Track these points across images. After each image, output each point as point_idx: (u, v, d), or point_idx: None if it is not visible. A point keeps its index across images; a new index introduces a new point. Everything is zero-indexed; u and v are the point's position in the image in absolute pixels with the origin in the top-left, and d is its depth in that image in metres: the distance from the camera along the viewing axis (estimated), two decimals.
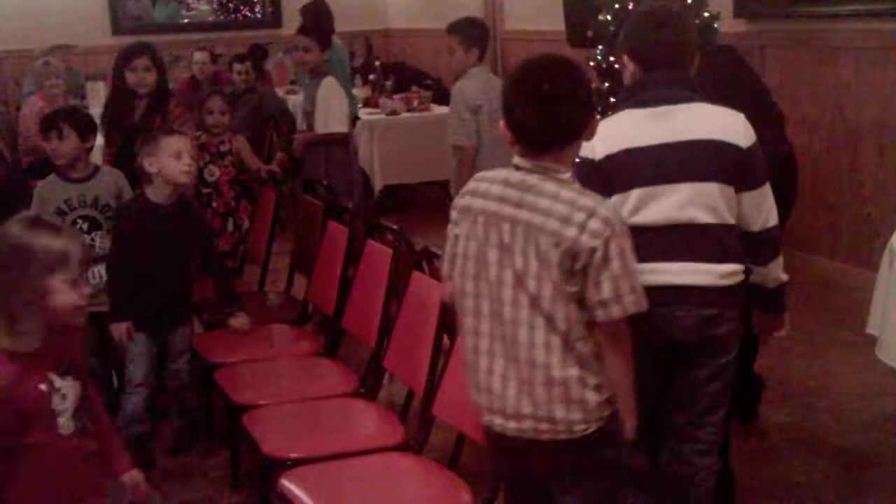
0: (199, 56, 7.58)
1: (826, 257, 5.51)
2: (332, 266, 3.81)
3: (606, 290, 2.05)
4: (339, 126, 5.15)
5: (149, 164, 3.52)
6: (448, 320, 2.94)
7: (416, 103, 7.71)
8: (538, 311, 2.08)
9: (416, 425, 3.02)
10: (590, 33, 6.02)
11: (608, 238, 2.04)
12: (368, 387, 3.35)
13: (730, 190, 2.52)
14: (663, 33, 2.60)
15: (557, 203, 2.07)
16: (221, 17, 9.99)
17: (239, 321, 3.72)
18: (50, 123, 3.76)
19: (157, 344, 3.63)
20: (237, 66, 7.03)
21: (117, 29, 9.44)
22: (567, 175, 2.12)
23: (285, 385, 3.37)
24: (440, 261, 2.40)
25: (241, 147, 4.79)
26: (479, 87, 4.65)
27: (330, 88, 5.13)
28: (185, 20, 9.88)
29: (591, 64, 5.71)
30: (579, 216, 2.04)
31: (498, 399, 2.16)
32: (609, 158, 2.53)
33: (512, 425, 2.16)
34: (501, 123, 2.15)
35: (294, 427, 3.07)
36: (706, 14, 5.28)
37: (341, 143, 5.21)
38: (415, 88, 8.29)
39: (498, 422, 2.18)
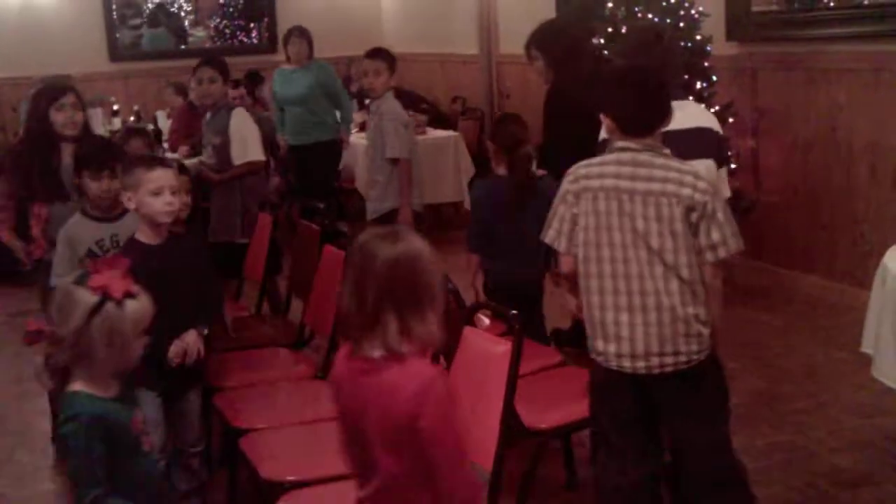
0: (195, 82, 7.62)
1: (820, 277, 5.53)
2: (328, 288, 3.82)
3: (716, 236, 2.59)
4: (257, 155, 5.06)
5: (127, 200, 3.19)
6: (445, 343, 2.95)
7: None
8: (661, 263, 2.59)
9: None
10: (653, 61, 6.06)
11: (713, 194, 2.61)
12: None
13: None
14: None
15: (669, 171, 2.62)
16: (218, 42, 10.05)
17: (177, 347, 3.15)
18: (101, 163, 3.51)
19: (171, 407, 3.24)
20: (232, 92, 7.02)
21: (115, 56, 9.50)
22: (665, 150, 2.69)
23: (283, 408, 3.38)
24: None
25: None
26: (400, 105, 5.22)
27: (243, 120, 5.07)
28: (182, 46, 9.94)
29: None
30: (689, 179, 2.60)
31: (627, 344, 2.64)
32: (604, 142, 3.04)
33: (640, 364, 2.65)
34: (603, 116, 2.73)
35: (292, 450, 3.07)
36: (698, 37, 5.34)
37: (257, 172, 5.15)
38: (411, 112, 8.33)
39: (627, 364, 2.66)
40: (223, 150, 4.99)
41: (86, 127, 4.05)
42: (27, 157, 3.97)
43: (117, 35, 9.53)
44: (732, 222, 2.63)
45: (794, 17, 5.61)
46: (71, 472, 2.23)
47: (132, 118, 7.59)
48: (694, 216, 2.58)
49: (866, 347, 2.99)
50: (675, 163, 2.64)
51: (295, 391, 3.56)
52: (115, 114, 7.97)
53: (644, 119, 2.68)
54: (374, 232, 2.02)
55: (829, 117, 5.40)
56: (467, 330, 2.86)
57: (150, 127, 7.41)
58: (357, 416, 2.06)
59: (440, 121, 8.59)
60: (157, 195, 3.11)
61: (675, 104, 2.83)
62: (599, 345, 2.71)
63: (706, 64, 5.35)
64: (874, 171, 5.17)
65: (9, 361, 4.94)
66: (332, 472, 2.86)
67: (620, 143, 2.69)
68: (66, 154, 3.90)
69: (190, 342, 3.16)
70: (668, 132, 2.82)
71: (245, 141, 4.98)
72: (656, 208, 2.59)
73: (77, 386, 2.25)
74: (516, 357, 2.62)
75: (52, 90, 4.02)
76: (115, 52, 9.50)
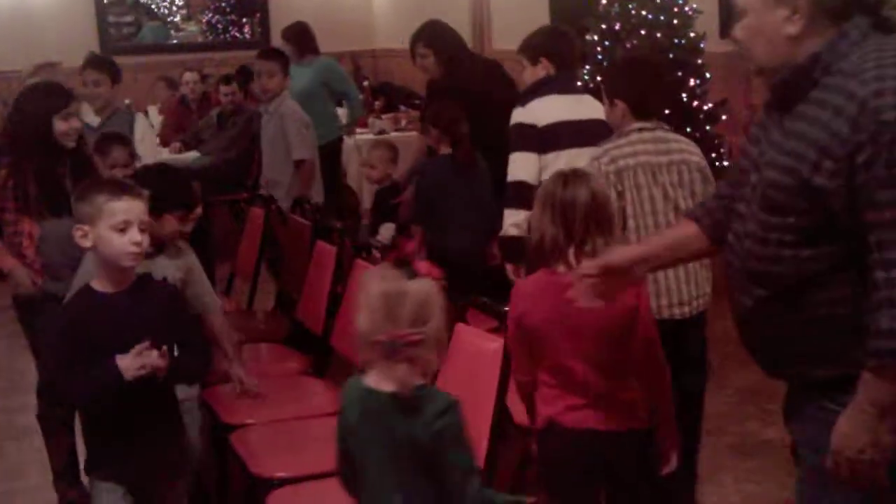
0: (189, 76, 7.60)
1: None
2: (320, 285, 3.81)
3: (711, 188, 3.02)
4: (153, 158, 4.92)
5: (80, 235, 2.52)
6: None
7: (403, 123, 7.74)
8: None
9: None
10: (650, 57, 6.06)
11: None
12: None
13: None
14: None
15: (679, 143, 3.13)
16: (210, 37, 10.01)
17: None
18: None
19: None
20: (223, 88, 7.03)
21: (106, 50, 9.44)
22: (665, 126, 3.16)
23: (273, 404, 3.36)
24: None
25: None
26: (299, 106, 5.30)
27: (142, 125, 4.97)
28: (174, 40, 9.90)
29: (578, 84, 5.75)
30: (692, 147, 3.16)
31: (675, 294, 3.03)
32: (549, 126, 3.66)
33: (686, 310, 3.06)
34: (615, 101, 3.11)
35: (282, 446, 3.06)
36: (692, 34, 5.32)
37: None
38: (402, 108, 8.32)
39: (676, 311, 3.04)
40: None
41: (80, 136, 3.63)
42: (23, 165, 3.48)
43: (110, 30, 9.49)
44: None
45: None
46: (466, 458, 2.02)
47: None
48: (700, 176, 3.10)
49: None
50: (680, 136, 3.16)
51: (286, 387, 3.54)
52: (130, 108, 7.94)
53: (656, 102, 3.19)
54: (565, 172, 2.57)
55: None
56: (459, 326, 2.85)
57: None
58: (558, 326, 2.44)
59: None
60: (121, 232, 2.48)
61: (575, 98, 3.69)
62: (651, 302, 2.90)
63: (699, 61, 5.34)
64: None
65: (23, 358, 4.83)
66: (322, 469, 2.86)
67: (637, 125, 3.09)
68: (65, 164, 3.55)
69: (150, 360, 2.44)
70: (572, 121, 3.64)
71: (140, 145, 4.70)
72: (679, 175, 3.07)
73: (419, 380, 1.99)
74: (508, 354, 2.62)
75: (57, 96, 3.56)
76: (107, 46, 9.45)
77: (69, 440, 3.52)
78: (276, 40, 9.22)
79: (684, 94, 5.35)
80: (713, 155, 5.47)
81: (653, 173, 3.04)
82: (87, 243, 2.53)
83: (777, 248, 1.88)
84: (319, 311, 3.75)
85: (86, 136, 3.79)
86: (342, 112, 7.39)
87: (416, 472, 1.98)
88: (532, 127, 3.68)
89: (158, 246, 3.04)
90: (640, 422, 2.53)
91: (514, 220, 3.63)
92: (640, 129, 3.08)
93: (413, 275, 1.98)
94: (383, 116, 7.81)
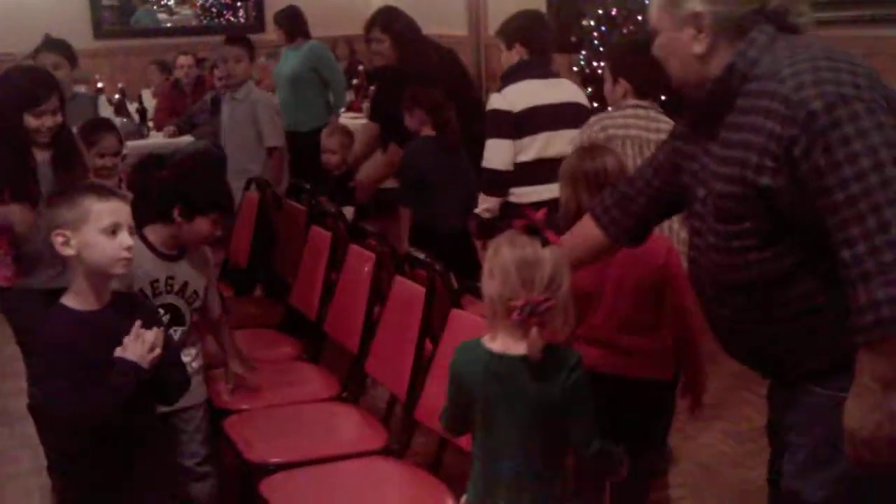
0: (182, 60, 7.54)
1: None
2: (314, 271, 3.79)
3: None
4: None
5: (62, 242, 2.27)
6: (432, 325, 2.93)
7: None
8: None
9: (399, 430, 3.01)
10: (573, 39, 6.04)
11: None
12: (350, 391, 3.33)
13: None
14: None
15: (667, 122, 3.15)
16: (204, 21, 9.95)
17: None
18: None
19: None
20: (217, 71, 6.98)
21: (99, 33, 9.39)
22: (658, 108, 3.29)
23: (267, 390, 3.34)
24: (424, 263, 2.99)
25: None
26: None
27: (106, 109, 5.05)
28: (168, 24, 9.84)
29: (575, 69, 5.72)
30: None
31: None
32: (524, 111, 3.76)
33: None
34: (622, 80, 3.26)
35: (276, 432, 3.05)
36: None
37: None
38: (497, 88, 8.25)
39: None
40: None
41: (62, 127, 3.37)
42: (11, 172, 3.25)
43: (101, 16, 9.41)
44: None
45: None
46: (591, 410, 2.07)
47: (117, 96, 7.51)
48: None
49: None
50: (667, 118, 3.22)
51: (279, 372, 3.53)
52: (100, 91, 7.88)
53: (657, 85, 3.28)
54: (586, 146, 2.82)
55: None
56: (454, 312, 2.84)
57: (136, 106, 7.34)
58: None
59: None
60: (112, 235, 2.27)
61: (550, 81, 3.86)
62: None
63: None
64: None
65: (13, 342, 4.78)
66: (316, 455, 2.85)
67: (633, 102, 3.26)
68: (41, 156, 3.34)
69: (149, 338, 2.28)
70: (547, 105, 3.76)
71: None
72: None
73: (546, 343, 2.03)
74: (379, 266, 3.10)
75: (31, 93, 3.26)
76: (100, 30, 9.39)
77: None
78: (270, 24, 9.18)
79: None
80: None
81: (640, 147, 3.17)
82: (69, 251, 2.26)
83: (741, 254, 1.93)
84: (314, 296, 3.73)
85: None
86: None
87: (544, 428, 2.06)
88: (507, 113, 3.78)
89: (181, 249, 2.93)
90: (663, 372, 2.74)
91: (486, 206, 3.85)
92: (636, 106, 3.25)
93: (545, 242, 2.04)
94: None
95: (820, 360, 1.92)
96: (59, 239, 2.27)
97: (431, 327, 2.94)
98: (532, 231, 2.06)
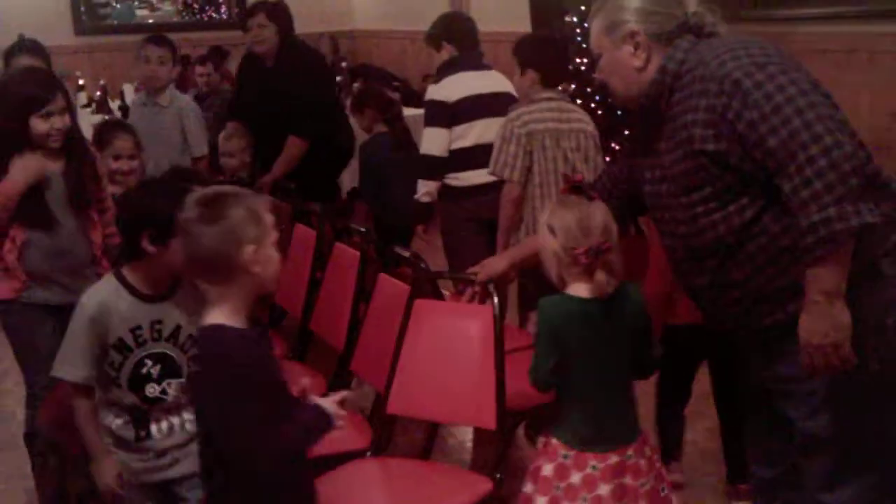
0: None
1: None
2: (299, 269, 3.79)
3: (601, 157, 3.65)
4: None
5: (251, 252, 2.01)
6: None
7: None
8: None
9: (382, 428, 3.02)
10: (556, 35, 6.04)
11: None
12: (336, 390, 3.32)
13: None
14: None
15: (578, 113, 3.63)
16: (186, 17, 9.91)
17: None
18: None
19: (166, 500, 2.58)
20: (199, 69, 6.97)
21: (80, 29, 9.33)
22: (566, 97, 3.65)
23: None
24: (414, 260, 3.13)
25: None
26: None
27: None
28: (150, 20, 9.79)
29: (483, 61, 5.73)
30: (587, 118, 3.64)
31: None
32: (459, 101, 4.08)
33: None
34: (530, 70, 3.60)
35: None
36: None
37: None
38: (433, 80, 8.23)
39: None
40: None
41: (73, 131, 3.13)
42: (4, 166, 3.04)
43: (82, 8, 9.36)
44: None
45: None
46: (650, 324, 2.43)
47: (98, 93, 7.47)
48: (593, 143, 3.59)
49: None
50: (576, 107, 3.66)
51: None
52: (81, 88, 7.84)
53: (562, 73, 3.72)
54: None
55: None
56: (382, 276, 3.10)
57: (118, 103, 7.31)
58: None
59: (411, 99, 8.53)
60: (277, 247, 2.11)
61: (482, 73, 4.19)
62: None
63: None
64: None
65: None
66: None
67: (545, 94, 3.59)
68: (50, 166, 3.11)
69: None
70: (480, 95, 4.08)
71: None
72: (577, 141, 3.56)
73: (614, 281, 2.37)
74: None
75: (36, 92, 3.02)
76: (80, 26, 9.34)
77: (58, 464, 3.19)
78: None
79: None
80: None
81: (556, 138, 3.53)
82: (256, 268, 2.02)
83: (706, 217, 2.21)
84: (299, 295, 3.73)
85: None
86: None
87: (624, 355, 2.37)
88: (443, 103, 4.09)
89: (171, 285, 2.52)
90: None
91: (426, 189, 4.15)
92: (549, 99, 3.57)
93: (591, 198, 2.34)
94: None
95: (798, 302, 2.10)
96: (247, 252, 2.00)
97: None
98: (578, 190, 2.34)
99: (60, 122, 3.03)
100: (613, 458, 2.31)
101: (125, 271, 2.47)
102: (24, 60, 4.27)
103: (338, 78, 8.27)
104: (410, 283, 3.02)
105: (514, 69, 3.69)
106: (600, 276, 2.29)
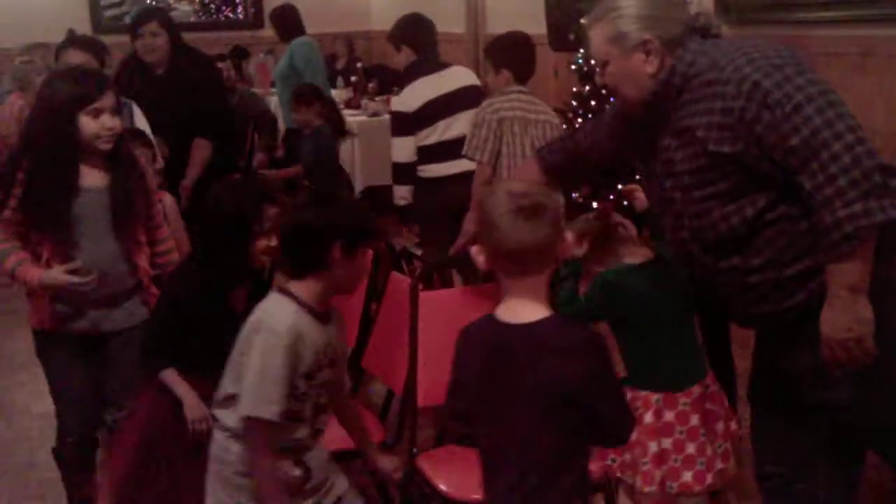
0: None
1: None
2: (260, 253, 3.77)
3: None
4: None
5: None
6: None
7: None
8: None
9: (396, 425, 3.03)
10: (572, 37, 6.04)
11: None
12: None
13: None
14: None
15: (543, 106, 3.97)
16: (203, 17, 9.96)
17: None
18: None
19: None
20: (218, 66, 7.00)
21: (98, 28, 9.39)
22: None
23: None
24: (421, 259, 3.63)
25: (169, 207, 3.56)
26: None
27: None
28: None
29: (573, 67, 5.73)
30: (550, 110, 4.02)
31: None
32: (419, 108, 4.33)
33: None
34: (504, 70, 3.88)
35: None
36: None
37: None
38: (396, 90, 8.27)
39: None
40: None
41: (122, 137, 2.90)
42: (41, 174, 2.76)
43: (100, 11, 9.41)
44: None
45: (781, 0, 5.60)
46: None
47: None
48: (558, 134, 3.75)
49: None
50: (542, 102, 3.98)
51: None
52: None
53: (531, 71, 4.00)
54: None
55: None
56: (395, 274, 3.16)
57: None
58: None
59: None
60: None
61: (438, 74, 4.40)
62: None
63: None
64: None
65: (16, 336, 4.60)
66: None
67: (516, 88, 3.89)
68: (92, 178, 2.83)
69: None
70: (439, 97, 4.30)
71: None
72: (542, 130, 3.85)
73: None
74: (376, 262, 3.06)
75: (85, 88, 2.79)
76: (99, 25, 9.40)
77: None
78: (269, 20, 9.19)
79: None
80: None
81: (524, 126, 3.83)
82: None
83: (719, 209, 2.23)
84: None
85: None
86: (336, 93, 7.36)
87: (682, 301, 2.59)
88: (405, 114, 4.37)
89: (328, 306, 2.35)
90: None
91: (400, 194, 4.46)
92: (519, 92, 3.89)
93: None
94: (377, 98, 7.78)
95: (818, 280, 2.15)
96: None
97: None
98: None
99: (111, 121, 2.80)
100: (697, 390, 2.54)
101: (294, 289, 2.26)
102: (73, 57, 3.93)
103: (352, 78, 8.32)
104: (413, 276, 3.02)
105: (489, 70, 3.99)
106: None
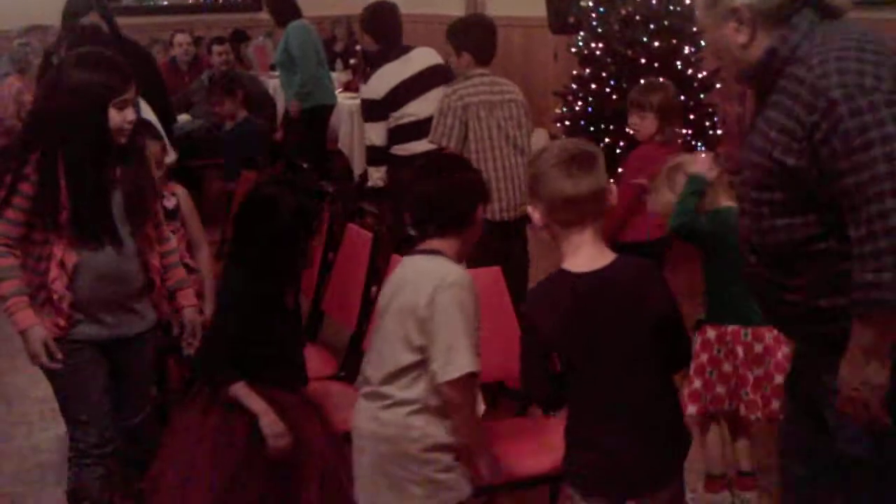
0: (180, 38, 7.51)
1: None
2: (312, 250, 3.78)
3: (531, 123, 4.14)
4: None
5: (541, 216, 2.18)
6: None
7: None
8: (514, 146, 3.95)
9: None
10: (571, 20, 6.03)
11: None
12: (348, 370, 3.34)
13: None
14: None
15: (508, 86, 4.05)
16: (202, 0, 9.92)
17: None
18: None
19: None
20: (217, 48, 6.97)
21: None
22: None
23: None
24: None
25: (183, 200, 3.61)
26: None
27: None
28: (165, 2, 9.79)
29: (573, 50, 5.71)
30: (516, 88, 4.08)
31: (505, 200, 3.95)
32: (386, 95, 4.45)
33: (512, 213, 4.00)
34: (465, 52, 3.96)
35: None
36: (687, 1, 5.29)
37: None
38: (363, 77, 8.24)
39: (507, 216, 3.99)
40: None
41: (135, 130, 2.76)
42: (57, 164, 2.58)
43: None
44: None
45: None
46: None
47: None
48: (523, 111, 4.00)
49: None
50: (506, 80, 4.08)
51: None
52: None
53: (492, 53, 4.04)
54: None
55: None
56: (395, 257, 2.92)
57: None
58: None
59: None
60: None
61: (402, 59, 4.50)
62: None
63: (694, 29, 5.32)
64: None
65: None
66: None
67: (478, 71, 3.96)
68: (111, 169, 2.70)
69: None
70: (404, 81, 4.42)
71: None
72: (508, 110, 3.95)
73: None
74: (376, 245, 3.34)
75: (113, 77, 2.62)
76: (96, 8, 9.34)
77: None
78: None
79: (679, 62, 5.33)
80: (706, 123, 5.46)
81: (489, 109, 3.91)
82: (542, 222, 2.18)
83: (769, 219, 2.08)
84: (311, 275, 3.73)
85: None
86: (335, 76, 7.32)
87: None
88: (373, 101, 4.51)
89: None
90: None
91: (378, 175, 4.59)
92: (482, 75, 3.96)
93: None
94: None
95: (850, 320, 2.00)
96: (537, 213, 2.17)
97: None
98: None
99: (132, 114, 2.67)
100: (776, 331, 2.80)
101: (441, 248, 2.37)
102: (95, 19, 4.05)
103: (351, 61, 8.29)
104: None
105: (450, 52, 4.04)
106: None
